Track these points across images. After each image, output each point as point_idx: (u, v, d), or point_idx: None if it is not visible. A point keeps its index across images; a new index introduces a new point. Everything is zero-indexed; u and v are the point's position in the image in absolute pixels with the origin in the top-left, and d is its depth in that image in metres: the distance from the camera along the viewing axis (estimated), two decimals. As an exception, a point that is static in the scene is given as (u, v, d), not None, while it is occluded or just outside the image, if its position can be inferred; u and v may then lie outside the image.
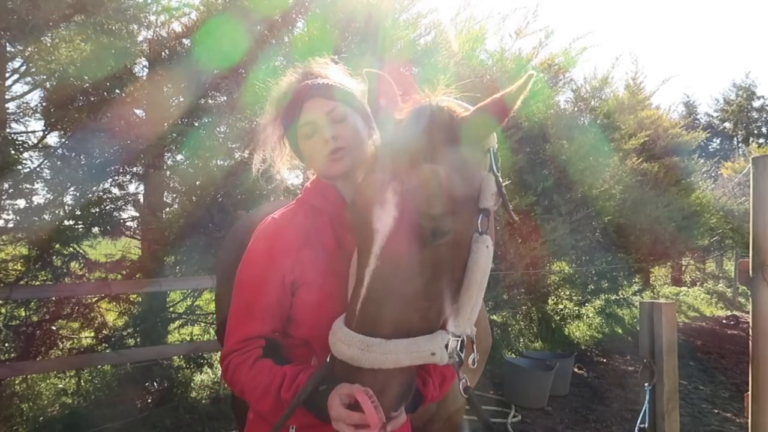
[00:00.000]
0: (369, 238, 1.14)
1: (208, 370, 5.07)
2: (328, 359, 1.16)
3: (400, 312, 1.10)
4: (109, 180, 4.57)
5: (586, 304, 9.30)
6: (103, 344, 4.63)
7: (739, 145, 34.83)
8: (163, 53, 4.60)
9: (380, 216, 1.13)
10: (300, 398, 1.13)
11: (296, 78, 1.44)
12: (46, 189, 4.19)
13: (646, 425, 1.75)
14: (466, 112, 1.21)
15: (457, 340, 1.15)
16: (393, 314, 1.10)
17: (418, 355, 1.09)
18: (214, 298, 3.76)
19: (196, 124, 4.55)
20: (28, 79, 4.26)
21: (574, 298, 8.81)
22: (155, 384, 4.63)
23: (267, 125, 1.48)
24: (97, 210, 4.37)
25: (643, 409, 1.84)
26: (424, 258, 1.11)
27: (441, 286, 1.14)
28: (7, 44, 3.96)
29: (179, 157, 4.92)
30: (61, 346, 4.60)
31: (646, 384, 2.00)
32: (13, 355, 4.22)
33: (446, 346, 1.12)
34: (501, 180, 1.22)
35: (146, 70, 4.67)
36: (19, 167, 3.78)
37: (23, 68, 4.17)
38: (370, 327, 1.09)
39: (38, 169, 4.14)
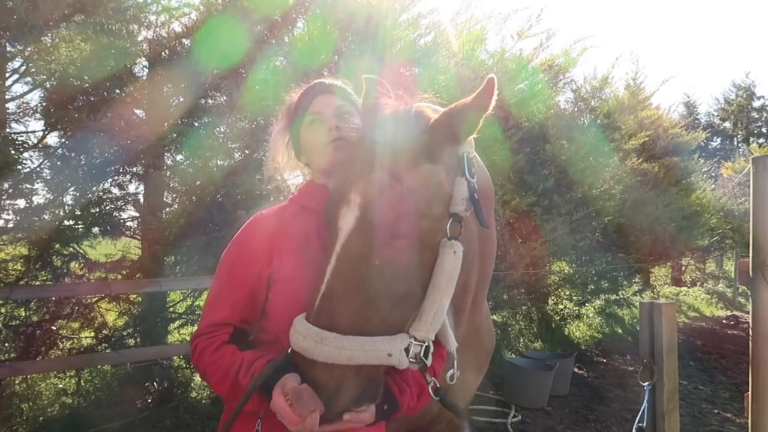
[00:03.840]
0: (334, 236, 1.15)
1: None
2: (289, 351, 1.16)
3: (358, 310, 1.10)
4: (109, 180, 4.56)
5: (586, 304, 9.31)
6: (103, 344, 4.62)
7: (739, 145, 34.83)
8: (163, 53, 4.59)
9: (345, 215, 1.14)
10: (255, 385, 1.13)
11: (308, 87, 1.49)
12: (46, 189, 4.18)
13: (645, 424, 1.75)
14: (436, 115, 1.21)
15: (421, 346, 1.14)
16: (350, 311, 1.10)
17: (373, 354, 1.08)
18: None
19: (196, 124, 4.54)
20: (28, 79, 4.25)
21: (574, 298, 8.81)
22: (155, 384, 4.63)
23: (277, 133, 1.53)
24: (97, 210, 4.36)
25: (642, 408, 1.84)
26: (385, 258, 1.11)
27: (404, 289, 1.13)
28: (7, 44, 3.95)
29: (179, 157, 4.91)
30: (61, 346, 4.60)
31: (645, 383, 2.00)
32: (13, 355, 4.22)
33: (407, 350, 1.11)
34: (475, 185, 1.20)
35: (146, 70, 4.66)
36: (19, 167, 3.77)
37: (23, 68, 4.16)
38: (326, 321, 1.09)
39: (38, 169, 4.14)
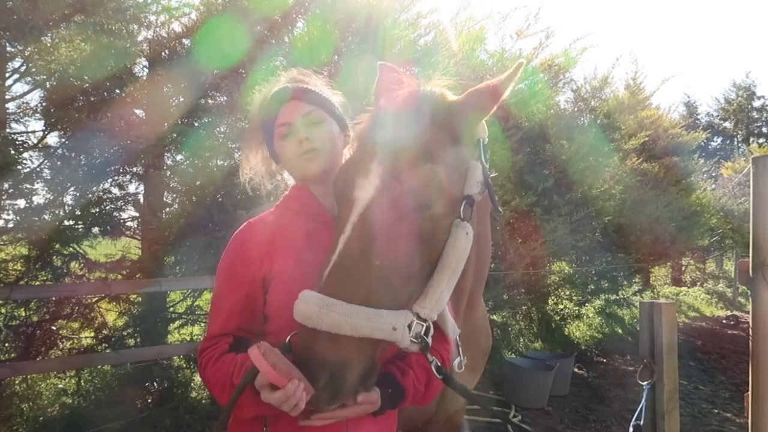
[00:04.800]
0: (348, 207, 1.14)
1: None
2: (287, 340, 1.14)
3: (367, 282, 1.08)
4: (109, 180, 4.56)
5: (586, 304, 9.30)
6: (103, 344, 4.62)
7: (739, 145, 34.82)
8: (163, 53, 4.59)
9: (362, 184, 1.13)
10: (245, 380, 1.09)
11: (278, 85, 1.46)
12: (46, 189, 4.18)
13: (641, 422, 1.75)
14: (457, 97, 1.23)
15: (422, 325, 1.13)
16: (360, 283, 1.08)
17: (378, 326, 1.05)
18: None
19: (196, 124, 4.54)
20: (28, 79, 4.25)
21: (574, 298, 8.81)
22: (155, 384, 4.63)
23: (250, 131, 1.52)
24: (97, 210, 4.36)
25: (640, 406, 1.85)
26: (400, 232, 1.10)
27: (415, 266, 1.12)
28: (7, 44, 3.95)
29: (179, 157, 4.91)
30: (61, 346, 4.60)
31: (644, 382, 2.01)
32: (13, 355, 4.22)
33: (410, 327, 1.10)
34: (488, 171, 1.22)
35: (146, 70, 4.67)
36: (19, 167, 3.77)
37: (23, 68, 4.16)
38: (335, 290, 1.07)
39: (38, 169, 4.14)
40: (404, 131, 1.16)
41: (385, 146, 1.16)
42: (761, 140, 34.52)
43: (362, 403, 1.13)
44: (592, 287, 8.70)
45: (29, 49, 3.77)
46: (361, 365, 1.08)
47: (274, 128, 1.39)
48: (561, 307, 8.64)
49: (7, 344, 4.27)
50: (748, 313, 3.02)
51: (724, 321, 10.92)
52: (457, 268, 1.15)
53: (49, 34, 3.76)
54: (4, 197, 4.10)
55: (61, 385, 4.56)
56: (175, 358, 4.80)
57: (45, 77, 4.05)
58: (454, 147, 1.19)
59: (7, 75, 4.18)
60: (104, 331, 4.69)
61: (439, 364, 1.20)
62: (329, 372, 1.05)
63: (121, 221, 4.80)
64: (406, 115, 1.19)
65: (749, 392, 2.02)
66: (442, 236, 1.15)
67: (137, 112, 4.48)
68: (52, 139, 4.43)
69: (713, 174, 17.50)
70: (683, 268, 16.40)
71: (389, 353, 1.23)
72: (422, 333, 1.13)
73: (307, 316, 1.05)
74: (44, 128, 4.29)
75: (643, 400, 1.90)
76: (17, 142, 3.86)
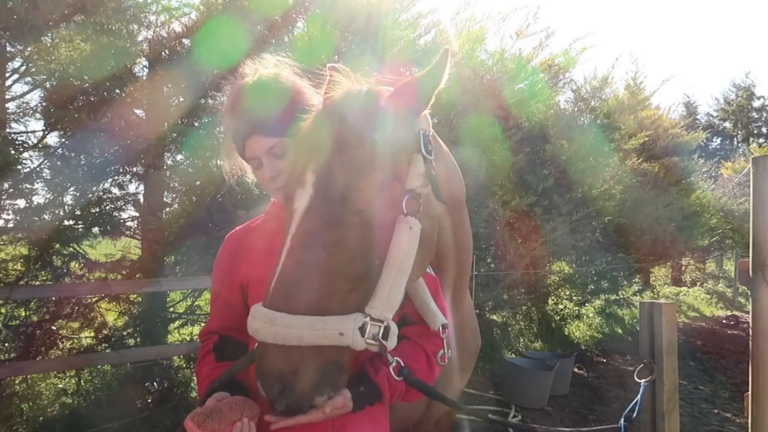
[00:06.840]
0: (289, 218, 1.15)
1: (208, 370, 5.06)
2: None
3: (313, 291, 1.07)
4: (109, 180, 4.56)
5: (586, 304, 9.30)
6: (103, 344, 4.62)
7: (739, 145, 34.83)
8: (163, 53, 4.59)
9: (299, 196, 1.14)
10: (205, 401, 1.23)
11: (244, 85, 1.45)
12: (46, 189, 4.18)
13: (634, 415, 1.74)
14: (386, 96, 1.21)
15: (379, 326, 1.11)
16: (305, 292, 1.07)
17: (324, 334, 1.05)
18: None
19: (196, 124, 4.55)
20: (28, 79, 4.25)
21: (574, 298, 8.81)
22: (155, 384, 4.63)
23: (226, 134, 1.50)
24: (97, 210, 4.36)
25: (635, 400, 1.84)
26: (339, 237, 1.09)
27: (361, 268, 1.11)
28: (7, 44, 3.95)
29: (179, 157, 4.92)
30: (61, 346, 4.60)
31: (643, 380, 2.01)
32: (13, 355, 4.22)
33: (362, 330, 1.08)
34: (432, 162, 1.19)
35: (146, 70, 4.67)
36: (19, 167, 3.77)
37: (23, 68, 4.16)
38: (280, 304, 1.07)
39: (38, 169, 4.14)
40: (333, 135, 1.14)
41: (317, 152, 1.14)
42: (761, 140, 34.53)
43: (330, 408, 1.14)
44: (592, 287, 8.71)
45: (29, 49, 3.77)
46: (315, 372, 1.08)
47: (246, 161, 1.41)
48: (561, 307, 8.64)
49: (7, 344, 4.26)
50: (748, 313, 3.03)
51: (724, 321, 10.92)
52: (403, 265, 1.13)
53: (49, 34, 3.76)
54: (4, 197, 4.10)
55: (61, 385, 4.56)
56: (175, 358, 4.80)
57: (45, 77, 4.05)
58: (386, 145, 1.16)
59: (7, 75, 4.17)
60: (104, 331, 4.68)
61: (401, 363, 1.20)
62: (281, 382, 1.06)
63: (121, 221, 4.80)
64: (335, 118, 1.16)
65: (749, 392, 2.02)
66: (385, 235, 1.13)
67: (137, 112, 4.48)
68: (52, 139, 4.43)
69: (713, 174, 17.50)
70: (683, 268, 16.40)
71: (367, 353, 1.21)
72: (380, 335, 1.11)
73: (255, 330, 1.07)
74: (44, 128, 4.29)
75: (639, 395, 1.90)
76: (17, 142, 3.86)
